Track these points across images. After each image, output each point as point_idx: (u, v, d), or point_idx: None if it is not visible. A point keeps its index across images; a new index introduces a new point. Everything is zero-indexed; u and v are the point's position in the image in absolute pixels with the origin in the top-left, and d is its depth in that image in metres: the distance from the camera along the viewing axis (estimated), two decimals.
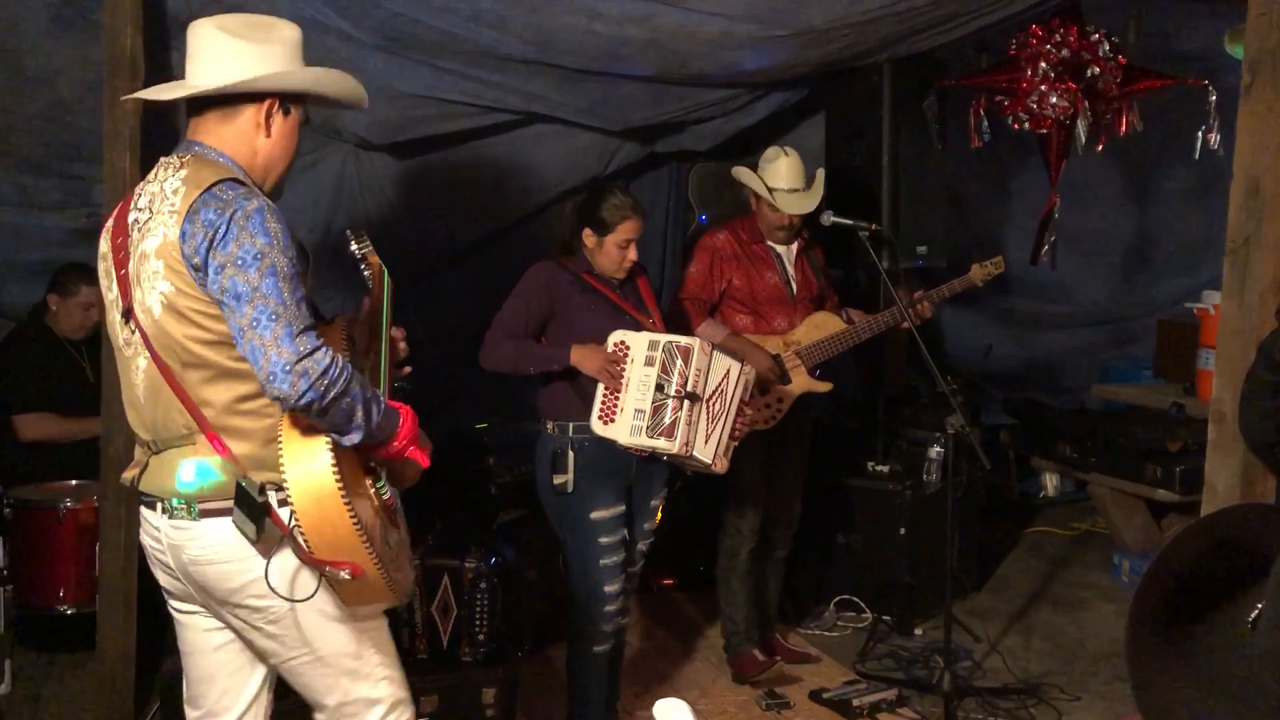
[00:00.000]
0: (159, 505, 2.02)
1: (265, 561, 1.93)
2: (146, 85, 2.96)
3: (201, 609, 2.12)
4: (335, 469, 1.87)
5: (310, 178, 4.21)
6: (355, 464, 2.00)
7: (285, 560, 1.96)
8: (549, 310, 3.13)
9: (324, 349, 1.87)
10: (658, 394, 3.01)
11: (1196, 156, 4.12)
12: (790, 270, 3.90)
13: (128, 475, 2.11)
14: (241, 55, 1.98)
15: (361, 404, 1.92)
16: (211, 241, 1.86)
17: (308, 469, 1.88)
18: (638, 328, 3.13)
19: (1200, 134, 4.04)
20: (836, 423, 4.91)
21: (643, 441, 3.02)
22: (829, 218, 3.75)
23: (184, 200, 1.92)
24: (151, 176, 2.05)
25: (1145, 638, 0.81)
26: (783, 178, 3.80)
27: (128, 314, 2.00)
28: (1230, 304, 3.56)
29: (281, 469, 1.88)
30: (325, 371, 1.85)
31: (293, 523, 1.87)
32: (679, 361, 3.02)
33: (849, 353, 3.95)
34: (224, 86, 1.98)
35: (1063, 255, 4.92)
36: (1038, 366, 6.33)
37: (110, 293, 2.06)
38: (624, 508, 3.16)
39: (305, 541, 1.88)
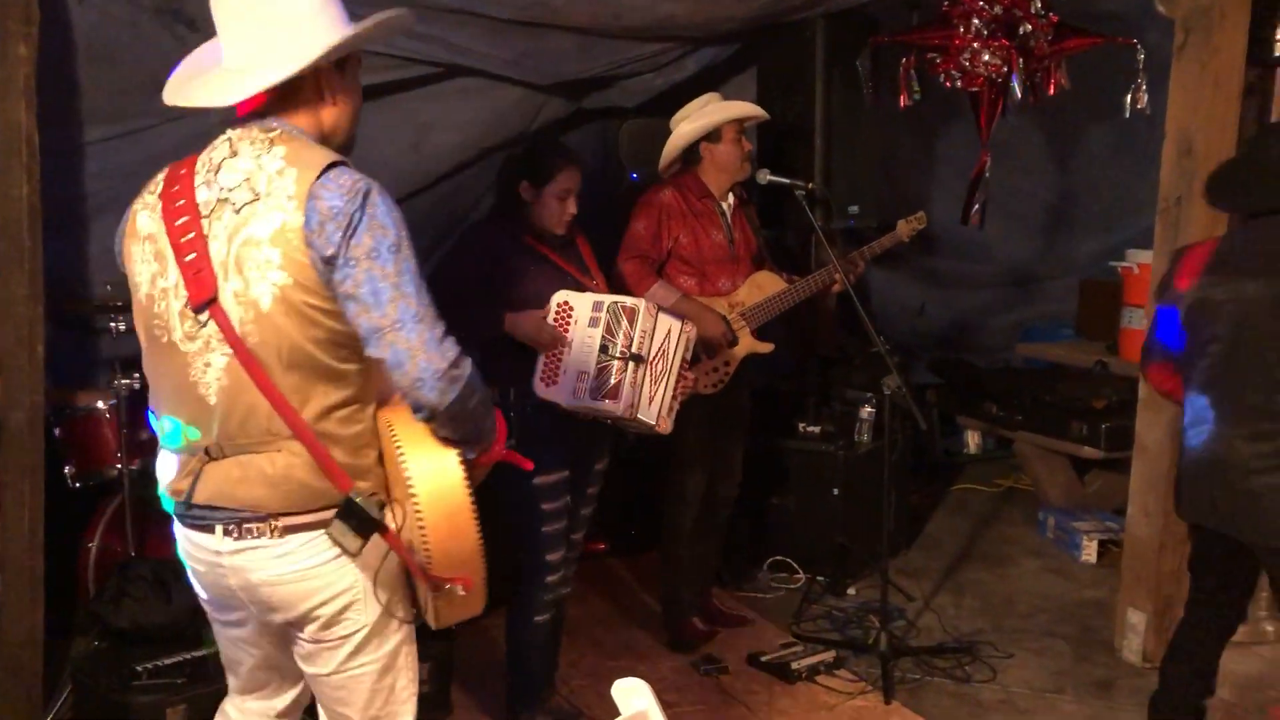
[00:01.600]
0: (219, 525, 1.82)
1: (361, 578, 1.83)
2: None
3: (249, 621, 1.96)
4: (468, 482, 1.78)
5: None
6: None
7: (387, 575, 1.85)
8: (488, 273, 3.00)
9: (466, 355, 1.76)
10: (602, 355, 2.92)
11: (1128, 115, 4.12)
12: (731, 228, 3.82)
13: (177, 487, 1.87)
14: (288, 25, 1.76)
15: (489, 411, 1.84)
16: (346, 231, 1.69)
17: (440, 482, 1.77)
18: (581, 289, 3.03)
19: (1130, 94, 4.03)
20: (768, 385, 4.87)
21: (586, 404, 2.94)
22: (765, 175, 3.68)
23: (299, 183, 1.72)
24: (226, 151, 1.81)
25: None
26: (741, 104, 3.76)
27: (203, 305, 1.76)
28: (1162, 262, 3.58)
29: (409, 482, 1.75)
30: (470, 379, 1.75)
31: (419, 539, 1.76)
32: (624, 323, 2.94)
33: (779, 315, 3.90)
34: (293, 72, 1.75)
35: (988, 215, 4.93)
36: (962, 326, 6.38)
37: (164, 279, 1.81)
38: (567, 473, 3.07)
39: (429, 557, 1.77)
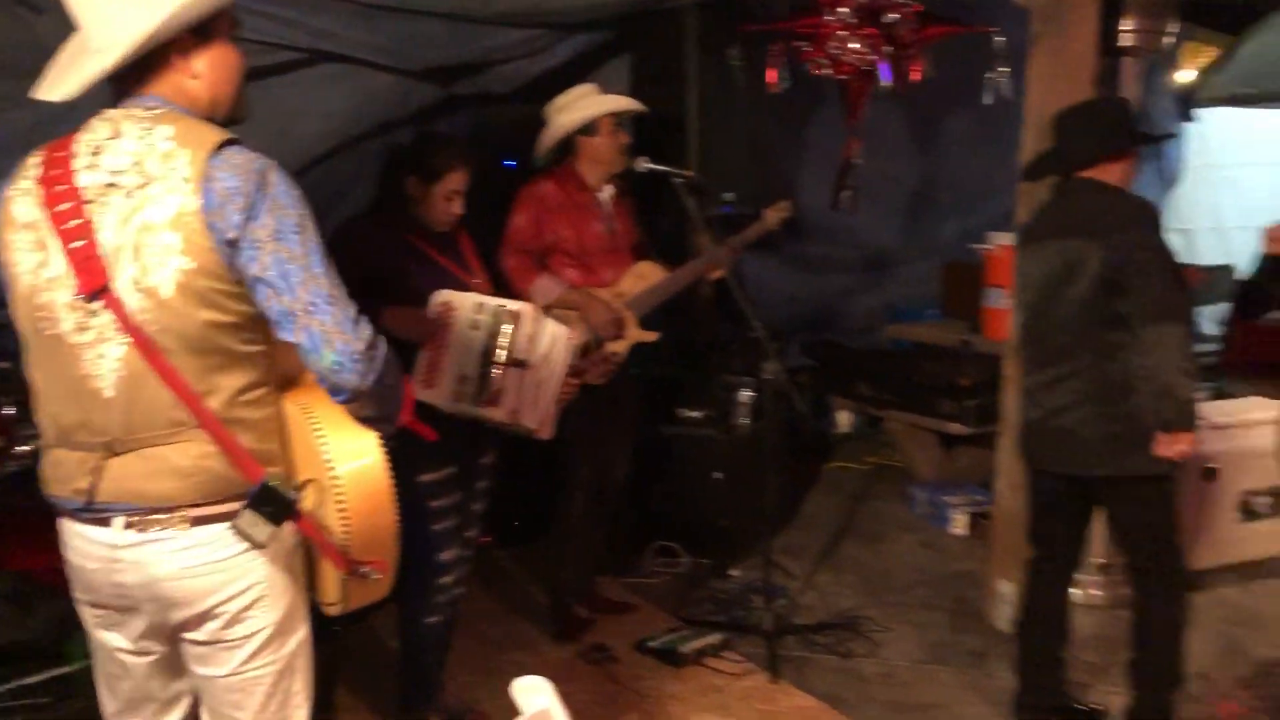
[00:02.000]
0: (119, 517, 1.73)
1: (268, 572, 1.77)
2: None
3: (138, 624, 1.83)
4: (387, 462, 1.75)
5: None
6: None
7: (293, 569, 1.80)
8: (366, 270, 2.90)
9: (379, 333, 1.72)
10: (483, 359, 2.85)
11: (989, 102, 4.27)
12: (612, 219, 3.80)
13: (77, 487, 1.74)
14: None
15: (402, 386, 1.80)
16: (246, 213, 1.63)
17: (361, 463, 1.74)
18: (463, 288, 2.95)
19: (993, 81, 4.18)
20: (647, 372, 4.89)
21: (466, 409, 2.87)
22: (644, 164, 3.68)
23: (193, 164, 1.65)
24: (107, 131, 1.71)
25: None
26: (615, 98, 3.73)
27: (95, 294, 1.66)
28: None
29: (329, 463, 1.72)
30: (387, 359, 1.71)
31: (338, 521, 1.72)
32: (507, 326, 2.86)
33: (661, 303, 3.91)
34: (130, 51, 1.66)
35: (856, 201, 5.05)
36: (833, 310, 6.52)
37: (49, 269, 1.70)
38: (454, 469, 3.01)
39: (349, 540, 1.72)
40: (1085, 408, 2.95)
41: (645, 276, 3.80)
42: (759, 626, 3.69)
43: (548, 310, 3.45)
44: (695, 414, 4.55)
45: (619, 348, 3.73)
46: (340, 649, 3.34)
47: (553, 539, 3.90)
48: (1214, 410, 4.50)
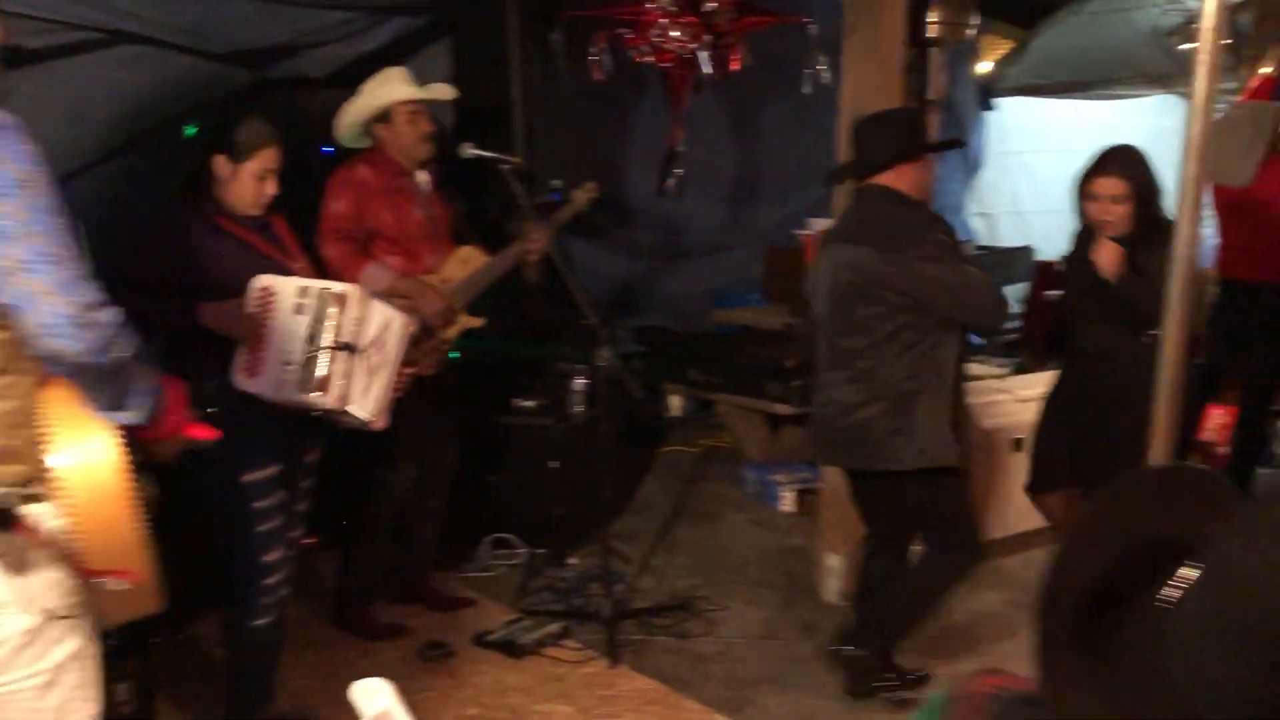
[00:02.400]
0: None
1: (6, 574, 1.62)
2: None
3: None
4: (121, 457, 1.60)
5: None
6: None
7: (43, 574, 1.65)
8: (179, 259, 2.75)
9: (113, 305, 1.59)
10: (309, 345, 2.75)
11: (809, 91, 4.38)
12: (430, 204, 3.72)
13: None
14: None
15: (143, 373, 1.68)
16: None
17: (89, 462, 1.59)
18: (284, 273, 2.84)
19: (812, 70, 4.29)
20: (478, 361, 4.82)
21: (293, 396, 2.77)
22: (469, 150, 3.62)
23: None
24: None
25: (1058, 659, 0.73)
26: (408, 86, 3.59)
27: None
28: None
29: (51, 463, 1.56)
30: (114, 328, 1.58)
31: (68, 526, 1.58)
32: (333, 309, 2.76)
33: (486, 289, 3.86)
34: None
35: (682, 187, 5.11)
36: (660, 295, 6.59)
37: None
38: (278, 467, 2.89)
39: (80, 547, 1.60)
40: (875, 405, 3.08)
41: (468, 261, 3.73)
42: (598, 613, 3.71)
43: (378, 299, 3.37)
44: (529, 403, 4.52)
45: (449, 335, 3.67)
46: (159, 661, 3.16)
47: (356, 541, 3.76)
48: (1018, 384, 4.76)
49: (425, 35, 4.70)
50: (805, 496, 5.05)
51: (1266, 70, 5.31)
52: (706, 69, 4.35)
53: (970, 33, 4.21)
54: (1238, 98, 5.49)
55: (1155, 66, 6.62)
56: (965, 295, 3.00)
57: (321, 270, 3.23)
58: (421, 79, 3.74)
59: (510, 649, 3.60)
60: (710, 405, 6.33)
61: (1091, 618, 0.80)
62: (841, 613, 3.90)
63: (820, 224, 5.14)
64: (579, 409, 4.57)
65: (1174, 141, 6.67)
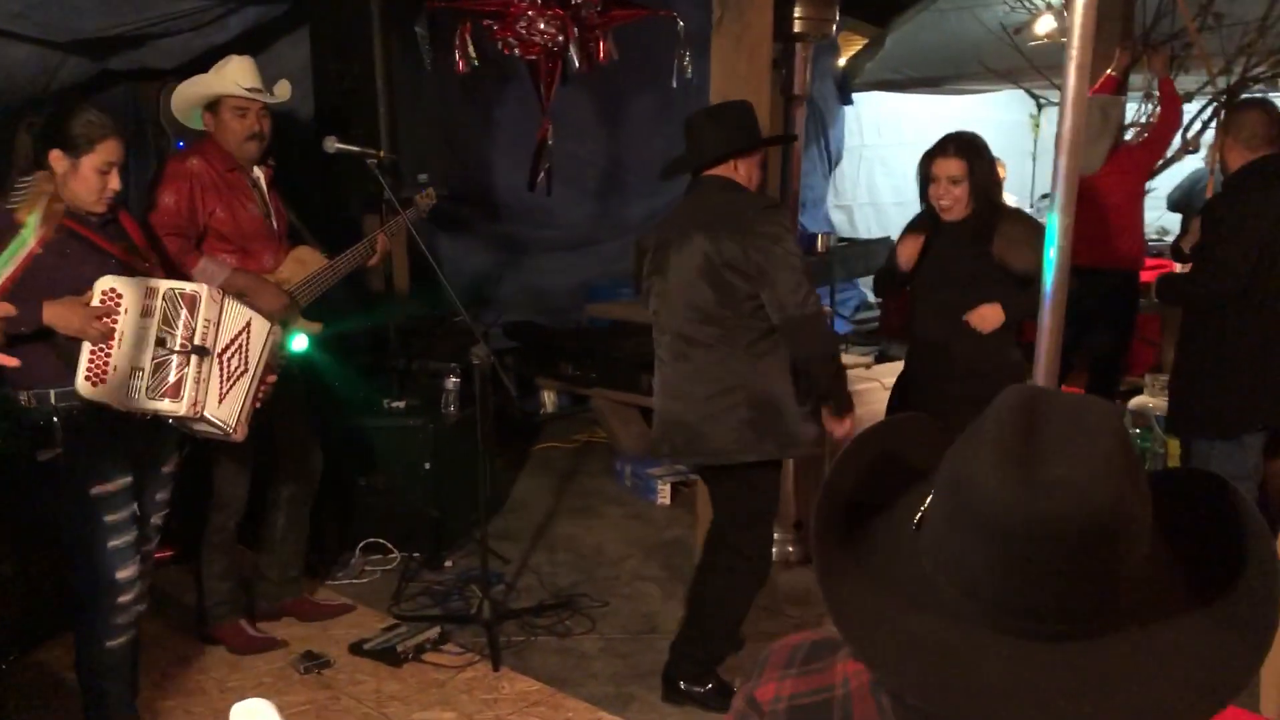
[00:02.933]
0: None
1: None
2: None
3: None
4: None
5: None
6: None
7: None
8: None
9: None
10: (159, 349, 2.61)
11: (674, 84, 4.38)
12: (266, 202, 3.57)
13: None
14: None
15: None
16: None
17: None
18: (130, 273, 2.68)
19: (676, 64, 4.29)
20: (342, 362, 4.68)
21: (142, 404, 2.63)
22: (333, 144, 3.51)
23: None
24: None
25: (831, 558, 0.85)
26: (240, 78, 3.42)
27: None
28: None
29: None
30: None
31: None
32: (183, 311, 2.64)
33: (343, 288, 3.75)
34: None
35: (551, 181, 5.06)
36: (531, 290, 6.53)
37: None
38: (130, 479, 2.74)
39: None
40: (717, 400, 3.05)
41: (305, 263, 3.59)
42: (477, 615, 3.64)
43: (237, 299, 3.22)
44: (400, 404, 4.41)
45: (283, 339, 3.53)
46: (8, 685, 2.97)
47: (204, 554, 3.59)
48: (884, 372, 4.89)
49: (282, 25, 4.53)
50: (680, 489, 5.08)
51: (1109, 71, 5.58)
52: (575, 63, 4.30)
53: (833, 28, 4.27)
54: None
55: (1004, 62, 6.85)
56: (806, 289, 2.96)
57: (170, 268, 3.07)
58: (277, 71, 3.60)
59: (389, 657, 3.50)
60: (583, 400, 6.31)
61: (854, 525, 0.96)
62: None
63: None
64: (451, 409, 4.48)
65: (1022, 134, 6.93)
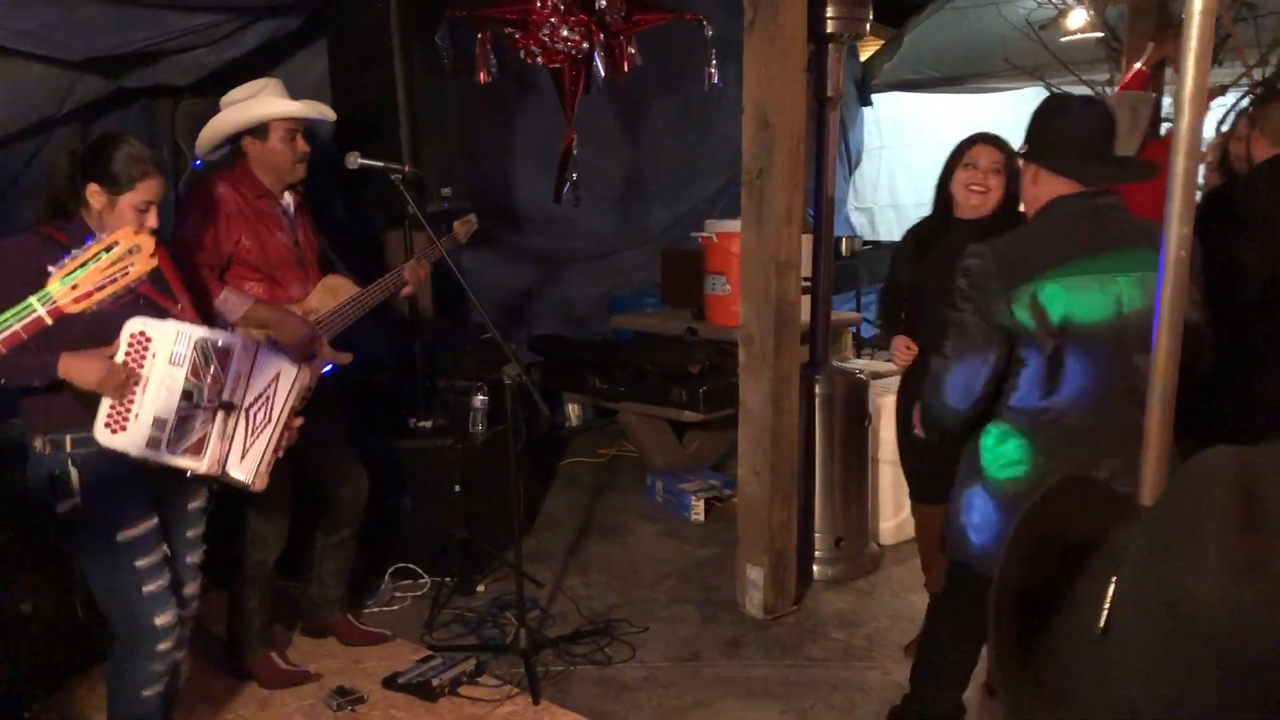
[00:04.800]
0: None
1: None
2: None
3: None
4: None
5: None
6: None
7: None
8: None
9: None
10: (185, 402, 2.46)
11: (706, 89, 4.26)
12: (295, 230, 3.45)
13: None
14: None
15: None
16: None
17: None
18: (161, 314, 2.54)
19: (708, 68, 4.16)
20: (368, 383, 4.57)
21: (162, 457, 2.48)
22: (356, 159, 3.40)
23: None
24: None
25: (1014, 677, 0.70)
26: (287, 101, 3.31)
27: None
28: (750, 234, 3.73)
29: None
30: None
31: None
32: (214, 364, 2.49)
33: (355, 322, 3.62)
34: None
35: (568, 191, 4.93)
36: (553, 303, 6.41)
37: None
38: (156, 519, 2.61)
39: None
40: None
41: (336, 292, 3.48)
42: (514, 645, 3.51)
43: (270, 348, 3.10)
44: (427, 424, 4.28)
45: (314, 372, 3.39)
46: None
47: (241, 591, 3.47)
48: None
49: (298, 39, 4.42)
50: (714, 505, 4.95)
51: (1138, 65, 5.42)
52: (601, 69, 4.18)
53: (865, 27, 4.15)
54: (1115, 88, 5.62)
55: (1028, 58, 6.72)
56: None
57: (205, 312, 2.94)
58: (294, 85, 3.48)
59: (424, 691, 3.36)
60: (608, 413, 6.18)
61: (1029, 626, 0.82)
62: (766, 628, 3.81)
63: (719, 226, 5.05)
64: (480, 427, 4.36)
65: None
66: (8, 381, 2.39)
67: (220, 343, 2.53)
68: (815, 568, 4.23)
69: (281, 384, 2.69)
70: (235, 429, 2.59)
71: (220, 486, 2.77)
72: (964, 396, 2.48)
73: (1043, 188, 2.44)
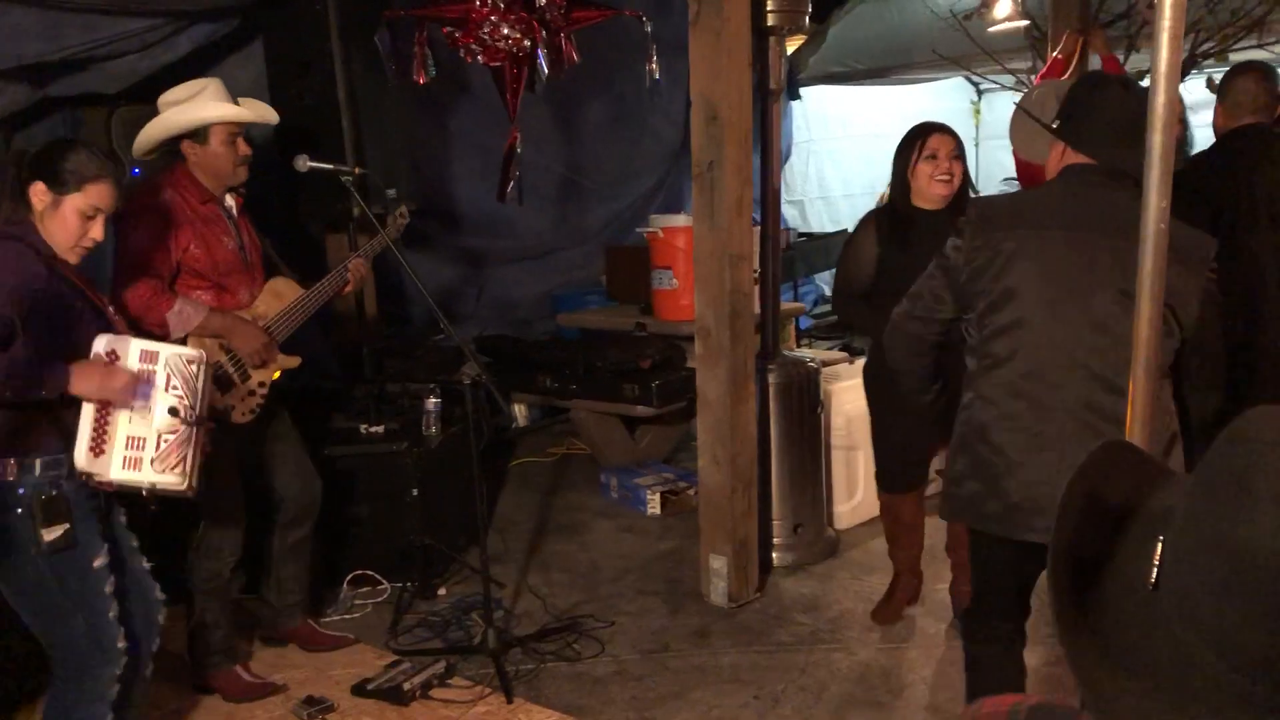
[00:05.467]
0: None
1: None
2: None
3: None
4: None
5: None
6: None
7: None
8: (26, 309, 2.31)
9: None
10: (170, 418, 2.40)
11: (648, 84, 4.27)
12: (240, 233, 3.39)
13: None
14: None
15: None
16: None
17: None
18: (109, 329, 2.45)
19: (650, 65, 4.17)
20: (314, 389, 4.50)
21: (140, 477, 2.39)
22: (305, 162, 3.35)
23: None
24: None
25: (1075, 635, 0.73)
26: (229, 104, 3.24)
27: None
28: (702, 226, 3.75)
29: None
30: None
31: None
32: (180, 378, 2.42)
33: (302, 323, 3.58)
34: None
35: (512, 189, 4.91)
36: (497, 303, 6.38)
37: None
38: (109, 542, 2.53)
39: None
40: None
41: (282, 295, 3.42)
42: (483, 646, 3.49)
43: (185, 340, 3.04)
44: (378, 429, 4.23)
45: (264, 377, 3.34)
46: None
47: (199, 605, 3.39)
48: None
49: (232, 42, 4.34)
50: (670, 498, 4.97)
51: (1055, 54, 5.55)
52: (544, 66, 4.17)
53: (805, 20, 4.20)
54: (1035, 77, 5.76)
55: (953, 49, 6.85)
56: None
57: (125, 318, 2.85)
58: (229, 89, 3.41)
59: (395, 696, 3.33)
60: (555, 413, 6.17)
61: (1084, 585, 0.84)
62: (732, 616, 3.84)
63: (665, 221, 5.07)
64: (434, 430, 4.32)
65: (964, 121, 6.90)
66: (20, 392, 2.26)
67: (189, 355, 2.48)
68: (775, 554, 4.28)
69: (201, 378, 2.57)
70: (192, 438, 2.51)
71: (159, 500, 2.66)
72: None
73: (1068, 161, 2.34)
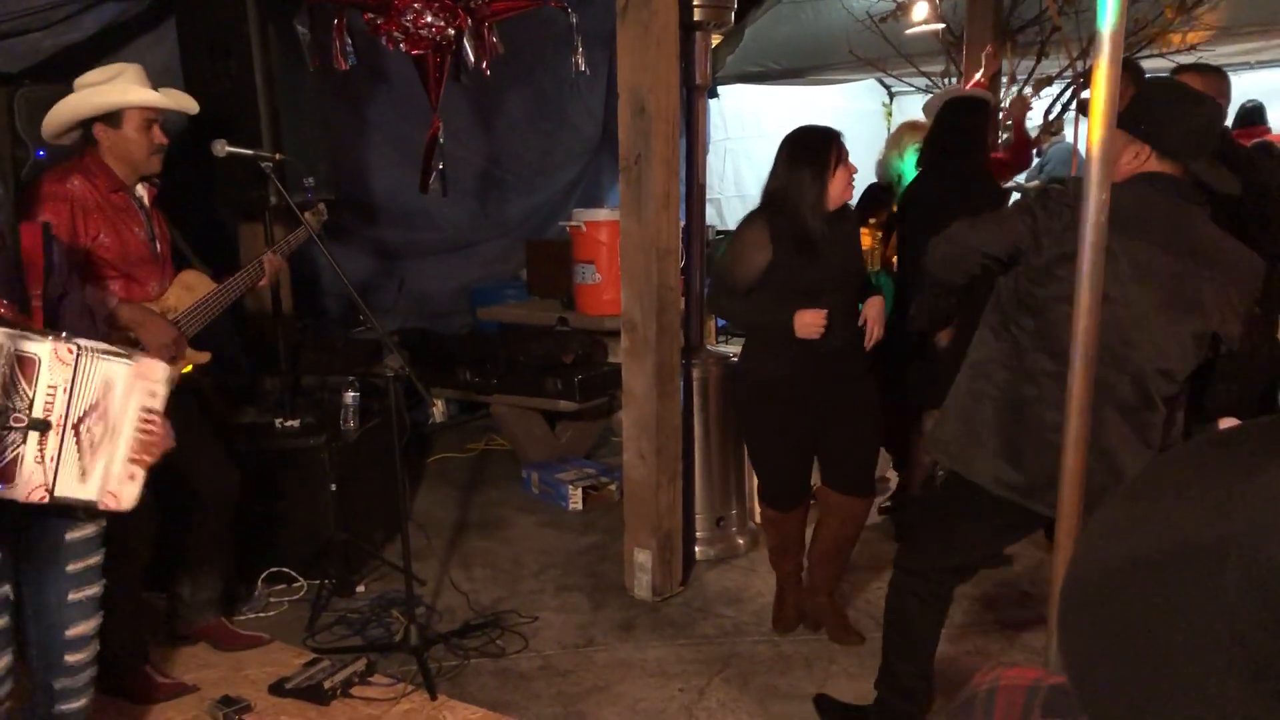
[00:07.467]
0: None
1: None
2: None
3: None
4: None
5: None
6: None
7: None
8: None
9: None
10: None
11: (574, 75, 4.24)
12: (151, 223, 3.28)
13: None
14: None
15: None
16: None
17: None
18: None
19: (576, 57, 4.14)
20: (223, 384, 4.38)
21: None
22: (223, 148, 3.25)
23: None
24: None
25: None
26: (147, 90, 3.14)
27: None
28: (629, 220, 3.74)
29: None
30: None
31: None
32: (18, 379, 2.14)
33: (214, 319, 3.48)
34: None
35: (433, 182, 4.84)
36: (414, 296, 6.28)
37: None
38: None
39: None
40: None
41: (193, 288, 3.33)
42: (405, 642, 3.44)
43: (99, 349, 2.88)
44: (295, 423, 4.13)
45: (174, 372, 3.22)
46: None
47: (107, 609, 3.26)
48: None
49: (143, 23, 4.19)
50: (591, 493, 4.96)
51: (978, 77, 5.66)
52: (470, 57, 4.11)
53: (731, 16, 4.22)
54: (961, 83, 5.88)
55: (869, 50, 6.97)
56: None
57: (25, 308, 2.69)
58: (141, 69, 3.29)
59: (315, 695, 3.26)
60: (474, 408, 6.11)
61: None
62: (657, 609, 3.84)
63: (588, 215, 5.05)
64: (352, 424, 4.24)
65: (876, 122, 7.05)
66: None
67: (28, 351, 2.16)
68: (698, 548, 4.30)
69: (118, 390, 2.33)
70: (63, 448, 2.25)
71: (86, 513, 2.50)
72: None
73: (1149, 169, 2.28)
